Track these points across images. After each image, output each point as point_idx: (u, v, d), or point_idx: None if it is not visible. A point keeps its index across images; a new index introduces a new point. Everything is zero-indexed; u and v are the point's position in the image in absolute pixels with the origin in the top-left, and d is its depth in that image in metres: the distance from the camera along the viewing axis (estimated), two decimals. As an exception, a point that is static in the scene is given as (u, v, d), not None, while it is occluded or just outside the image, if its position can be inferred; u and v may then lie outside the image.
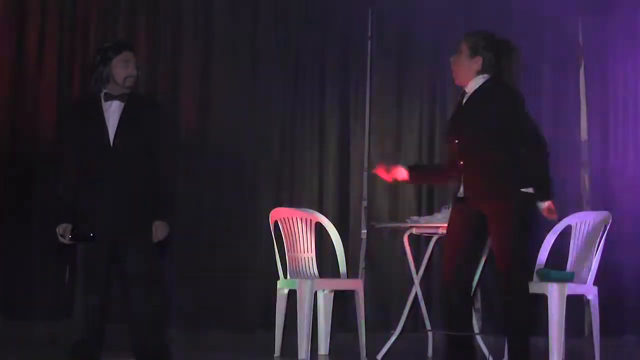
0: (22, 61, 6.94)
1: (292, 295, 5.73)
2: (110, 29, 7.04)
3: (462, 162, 4.62)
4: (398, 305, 6.48)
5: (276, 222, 5.79)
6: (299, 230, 5.85)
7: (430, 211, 6.56)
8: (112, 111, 4.89)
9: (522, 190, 4.49)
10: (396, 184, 6.99)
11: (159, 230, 4.86)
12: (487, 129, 4.54)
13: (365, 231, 6.83)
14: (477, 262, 4.79)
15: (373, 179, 6.96)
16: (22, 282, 6.73)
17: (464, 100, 4.70)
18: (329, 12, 7.09)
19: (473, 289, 4.86)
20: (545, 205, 4.56)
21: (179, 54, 7.08)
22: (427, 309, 6.23)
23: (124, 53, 4.95)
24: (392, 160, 6.99)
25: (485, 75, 4.64)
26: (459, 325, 4.64)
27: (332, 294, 6.00)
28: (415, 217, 6.15)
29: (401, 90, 7.08)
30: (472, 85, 4.66)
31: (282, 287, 5.73)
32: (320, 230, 6.18)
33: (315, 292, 5.61)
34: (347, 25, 7.10)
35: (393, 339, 6.09)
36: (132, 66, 4.94)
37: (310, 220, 5.84)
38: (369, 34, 7.01)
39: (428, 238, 6.25)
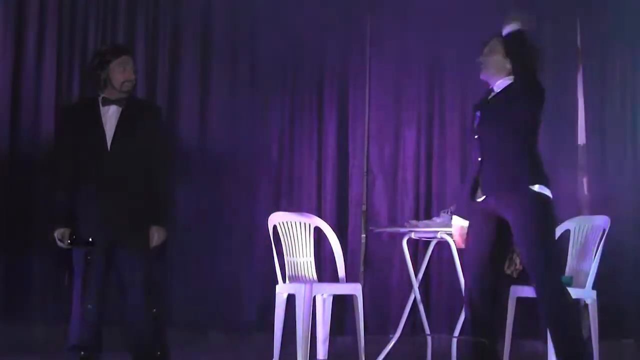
0: (20, 64, 6.94)
1: (291, 299, 5.72)
2: (109, 32, 7.04)
3: (480, 159, 4.61)
4: (397, 310, 6.48)
5: (275, 226, 5.78)
6: (298, 234, 5.84)
7: (429, 215, 6.56)
8: (110, 116, 4.89)
9: (540, 191, 4.47)
10: (395, 186, 7.01)
11: (156, 236, 4.85)
12: (509, 124, 4.54)
13: (364, 235, 6.83)
14: (499, 269, 4.73)
15: (371, 183, 6.97)
16: (21, 286, 6.72)
17: (490, 97, 4.69)
18: (328, 18, 7.10)
19: (498, 296, 4.78)
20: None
21: (177, 58, 7.08)
22: (426, 313, 6.22)
23: (122, 57, 4.94)
24: (391, 165, 7.02)
25: (513, 77, 4.64)
26: (481, 331, 4.60)
27: (331, 298, 6.00)
28: (414, 222, 6.15)
29: (400, 95, 7.08)
30: (501, 83, 4.66)
31: (281, 292, 5.73)
32: (319, 234, 6.17)
33: (314, 296, 5.60)
34: (346, 31, 7.11)
35: (392, 343, 6.09)
36: (130, 71, 4.93)
37: (309, 225, 5.83)
38: (368, 39, 7.01)
39: (427, 242, 6.25)
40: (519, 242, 4.54)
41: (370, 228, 6.60)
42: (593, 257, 5.58)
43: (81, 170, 4.86)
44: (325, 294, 5.86)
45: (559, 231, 5.69)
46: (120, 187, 4.80)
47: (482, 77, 4.73)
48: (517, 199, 4.49)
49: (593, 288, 5.57)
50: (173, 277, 6.81)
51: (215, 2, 7.13)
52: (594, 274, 5.56)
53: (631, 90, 7.04)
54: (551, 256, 4.49)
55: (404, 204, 6.96)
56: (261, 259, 6.72)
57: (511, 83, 4.64)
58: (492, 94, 4.70)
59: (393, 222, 6.77)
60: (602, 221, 5.62)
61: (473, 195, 4.67)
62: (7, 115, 6.86)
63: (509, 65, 4.63)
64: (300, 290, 5.51)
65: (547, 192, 4.51)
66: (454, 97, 7.08)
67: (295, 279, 5.78)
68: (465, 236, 4.77)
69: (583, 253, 5.67)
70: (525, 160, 4.52)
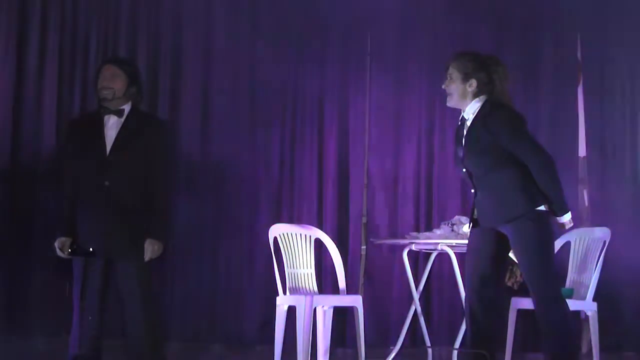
0: (22, 77, 6.96)
1: (291, 311, 5.72)
2: (111, 45, 7.07)
3: (472, 190, 4.60)
4: (397, 321, 6.48)
5: (275, 237, 5.78)
6: (299, 246, 5.85)
7: (429, 227, 6.57)
8: (110, 126, 4.91)
9: (537, 209, 4.46)
10: (396, 198, 7.02)
11: (150, 250, 4.84)
12: (493, 153, 4.47)
13: (365, 247, 6.84)
14: (499, 281, 4.71)
15: (372, 195, 6.98)
16: (23, 297, 6.73)
17: (465, 128, 4.61)
18: (329, 33, 7.12)
19: (499, 308, 4.75)
20: (564, 219, 4.50)
21: (179, 71, 7.10)
22: (426, 325, 6.22)
23: (105, 65, 5.00)
24: (391, 177, 7.03)
25: (481, 97, 4.57)
26: (481, 343, 4.58)
27: (332, 310, 6.00)
28: (415, 234, 6.15)
29: (400, 107, 7.10)
30: (470, 109, 4.58)
31: (282, 303, 5.73)
32: (319, 246, 6.18)
33: (315, 308, 5.60)
34: (346, 44, 7.13)
35: (392, 355, 6.09)
36: (109, 79, 4.93)
37: (310, 236, 5.83)
38: (368, 53, 7.03)
39: (427, 254, 6.26)
40: (517, 256, 4.53)
41: (371, 240, 6.61)
42: (594, 269, 5.58)
43: (82, 179, 4.88)
44: (325, 305, 5.86)
45: (559, 243, 5.70)
46: (118, 198, 4.81)
47: (449, 104, 4.69)
48: (514, 220, 4.48)
49: (594, 300, 5.57)
50: (174, 289, 6.82)
51: (216, 16, 7.16)
52: (595, 286, 5.56)
53: (631, 103, 7.06)
54: (549, 269, 4.48)
55: (404, 216, 6.97)
56: (262, 270, 6.73)
57: (482, 106, 4.55)
58: (467, 122, 4.61)
59: (393, 234, 6.78)
60: (602, 233, 5.63)
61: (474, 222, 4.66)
62: (9, 127, 6.89)
63: (470, 88, 4.57)
64: (300, 302, 5.51)
65: (542, 207, 4.49)
66: (454, 110, 7.08)
67: (295, 290, 5.78)
68: None
69: (584, 265, 5.67)
70: (518, 185, 4.47)
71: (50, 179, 6.58)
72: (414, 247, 6.02)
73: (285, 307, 5.73)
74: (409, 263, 6.11)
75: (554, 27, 7.01)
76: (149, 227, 4.86)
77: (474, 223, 4.64)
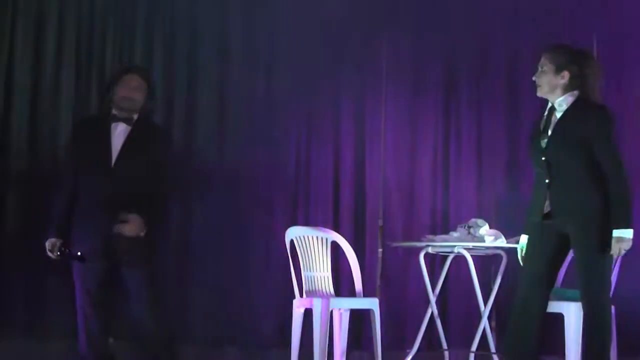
0: (39, 82, 6.98)
1: (307, 314, 5.72)
2: (127, 51, 7.09)
3: (548, 180, 4.57)
4: (414, 324, 6.47)
5: (292, 240, 5.78)
6: (315, 248, 5.85)
7: (446, 230, 6.55)
8: (118, 134, 4.93)
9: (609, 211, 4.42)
10: (412, 201, 7.01)
11: (131, 225, 4.84)
12: (582, 148, 4.46)
13: (381, 250, 6.83)
14: (551, 287, 4.69)
15: (388, 197, 6.97)
16: (37, 300, 6.75)
17: (554, 119, 4.58)
18: (344, 35, 7.10)
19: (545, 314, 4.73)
20: (624, 235, 4.42)
21: (195, 76, 7.11)
22: (443, 328, 6.21)
23: (127, 75, 5.00)
24: (407, 179, 7.02)
25: (574, 93, 4.56)
26: (519, 346, 4.55)
27: (348, 312, 5.99)
28: (431, 236, 6.14)
29: (416, 109, 7.08)
30: (562, 102, 4.57)
31: (298, 306, 5.73)
32: (336, 248, 6.17)
33: (331, 310, 5.60)
34: (362, 47, 7.11)
35: (409, 358, 6.08)
36: (133, 90, 4.94)
37: (326, 239, 5.83)
38: (384, 55, 7.03)
39: (444, 257, 6.24)
40: (578, 253, 4.48)
41: (387, 242, 6.60)
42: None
43: (83, 184, 4.90)
44: (342, 308, 5.86)
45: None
46: (120, 204, 4.82)
47: (538, 95, 4.64)
48: (588, 216, 4.45)
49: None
50: (190, 292, 6.82)
51: (231, 17, 7.16)
52: (612, 288, 5.52)
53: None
54: (605, 271, 4.48)
55: (420, 218, 6.95)
56: (278, 273, 6.72)
57: (575, 101, 4.55)
58: (556, 112, 4.59)
59: (410, 236, 6.76)
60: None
61: (540, 216, 4.60)
62: (26, 132, 6.91)
63: (562, 81, 4.56)
64: (317, 305, 5.51)
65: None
66: (470, 112, 7.08)
67: (312, 293, 5.78)
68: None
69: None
70: (597, 185, 4.45)
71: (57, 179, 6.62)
72: (430, 250, 6.01)
73: (302, 310, 5.73)
74: (426, 266, 6.10)
75: (570, 27, 6.97)
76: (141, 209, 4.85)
77: (535, 220, 4.59)
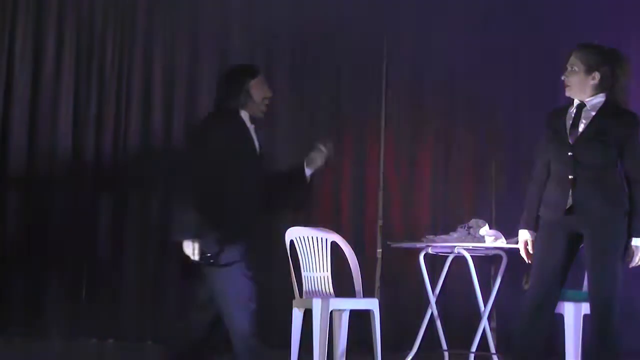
0: (39, 78, 6.99)
1: (307, 314, 5.72)
2: (127, 47, 7.09)
3: (572, 176, 4.49)
4: (414, 325, 6.46)
5: (292, 241, 5.78)
6: (315, 249, 5.84)
7: (446, 230, 6.54)
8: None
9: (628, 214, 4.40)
10: (412, 201, 7.01)
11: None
12: (613, 148, 4.41)
13: (381, 250, 6.83)
14: (562, 287, 4.66)
15: (388, 198, 6.97)
16: (39, 301, 6.76)
17: (585, 118, 4.50)
18: (344, 35, 7.11)
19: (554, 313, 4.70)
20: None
21: (195, 71, 7.12)
22: (443, 328, 6.20)
23: (262, 76, 5.04)
24: (407, 180, 7.01)
25: (604, 93, 4.49)
26: (526, 347, 4.54)
27: (348, 313, 5.99)
28: (431, 237, 6.14)
29: (416, 109, 7.09)
30: (593, 101, 4.49)
31: (298, 307, 5.73)
32: (335, 249, 6.17)
33: (331, 311, 5.60)
34: (362, 47, 7.12)
35: (409, 358, 6.07)
36: (268, 89, 5.04)
37: (326, 240, 5.83)
38: (384, 56, 7.03)
39: (444, 257, 6.24)
40: (591, 253, 4.46)
41: (387, 243, 6.59)
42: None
43: (232, 179, 4.87)
44: (342, 308, 5.86)
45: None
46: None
47: (567, 94, 4.53)
48: (608, 219, 4.44)
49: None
50: (190, 293, 6.81)
51: (231, 18, 7.17)
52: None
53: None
54: (618, 274, 4.44)
55: (420, 218, 6.95)
56: (278, 274, 6.71)
57: (605, 102, 4.49)
58: (585, 110, 4.50)
59: (410, 237, 6.76)
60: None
61: (560, 212, 4.57)
62: (25, 130, 6.91)
63: (593, 81, 4.47)
64: (317, 305, 5.51)
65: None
66: (470, 113, 7.08)
67: (312, 294, 5.78)
68: (531, 250, 4.69)
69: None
70: (622, 186, 4.42)
71: (67, 180, 6.62)
72: (430, 250, 6.00)
73: (302, 311, 5.73)
74: (426, 266, 6.10)
75: (572, 28, 6.97)
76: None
77: (549, 218, 4.57)
